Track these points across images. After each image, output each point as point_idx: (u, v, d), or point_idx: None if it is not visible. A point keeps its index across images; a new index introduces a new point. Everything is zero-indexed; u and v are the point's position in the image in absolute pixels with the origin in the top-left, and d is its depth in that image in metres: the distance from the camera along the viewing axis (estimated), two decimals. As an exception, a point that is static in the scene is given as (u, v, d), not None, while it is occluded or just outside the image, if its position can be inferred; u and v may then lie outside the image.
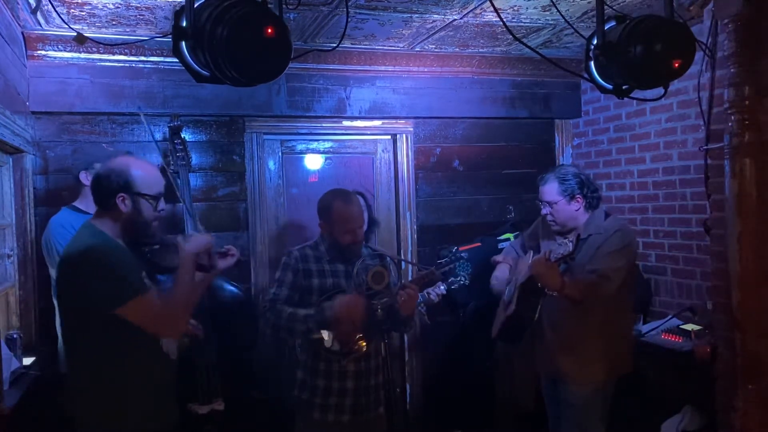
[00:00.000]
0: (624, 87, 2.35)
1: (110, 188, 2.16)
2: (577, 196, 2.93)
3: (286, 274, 2.83)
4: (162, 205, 2.26)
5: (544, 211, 3.02)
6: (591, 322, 2.90)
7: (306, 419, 2.83)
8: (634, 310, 3.24)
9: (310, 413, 2.80)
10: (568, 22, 2.82)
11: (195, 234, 2.45)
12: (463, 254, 3.09)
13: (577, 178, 2.95)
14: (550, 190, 2.96)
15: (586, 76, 2.43)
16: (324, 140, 4.24)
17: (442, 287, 3.33)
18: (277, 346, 3.60)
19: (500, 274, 3.20)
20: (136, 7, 3.00)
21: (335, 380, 2.78)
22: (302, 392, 2.84)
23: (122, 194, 2.15)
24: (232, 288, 3.43)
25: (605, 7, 2.29)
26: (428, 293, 3.34)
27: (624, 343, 3.04)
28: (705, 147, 2.97)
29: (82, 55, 3.48)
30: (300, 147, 4.19)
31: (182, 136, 3.49)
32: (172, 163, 3.43)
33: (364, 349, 2.78)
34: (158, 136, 3.63)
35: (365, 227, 2.91)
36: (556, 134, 4.63)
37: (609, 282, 2.79)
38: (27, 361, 3.01)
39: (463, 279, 3.23)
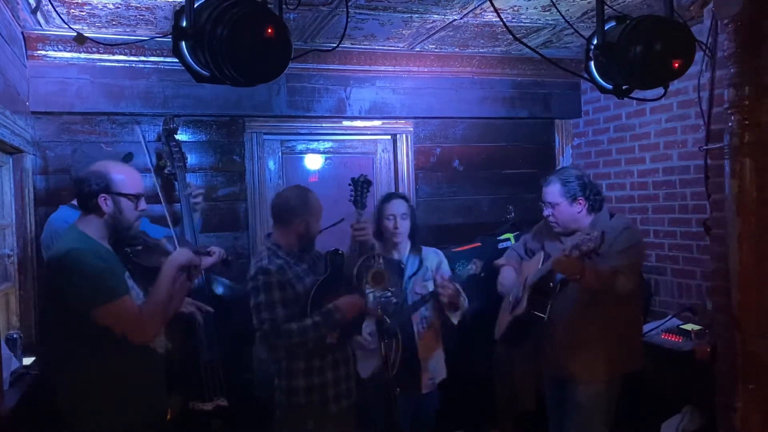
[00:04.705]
0: (624, 87, 2.36)
1: (92, 190, 2.23)
2: (579, 198, 2.93)
3: (272, 293, 2.64)
4: (143, 204, 2.33)
5: (546, 213, 3.03)
6: (601, 320, 2.89)
7: (290, 422, 2.78)
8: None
9: (293, 416, 2.76)
10: (568, 22, 2.82)
11: (182, 249, 2.45)
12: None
13: (580, 180, 2.95)
14: (553, 191, 2.96)
15: (586, 76, 2.43)
16: (324, 140, 4.24)
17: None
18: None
19: (507, 278, 3.19)
20: (136, 7, 3.00)
21: (315, 376, 2.73)
22: (283, 396, 2.76)
23: (103, 195, 2.23)
24: (223, 282, 3.42)
25: (605, 7, 2.30)
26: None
27: (633, 340, 3.04)
28: (705, 147, 2.97)
29: (82, 55, 3.48)
30: (300, 147, 4.19)
31: (177, 137, 3.47)
32: (168, 165, 3.42)
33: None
34: (155, 136, 3.64)
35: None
36: (556, 134, 4.63)
37: (625, 279, 2.79)
38: (27, 361, 2.99)
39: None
